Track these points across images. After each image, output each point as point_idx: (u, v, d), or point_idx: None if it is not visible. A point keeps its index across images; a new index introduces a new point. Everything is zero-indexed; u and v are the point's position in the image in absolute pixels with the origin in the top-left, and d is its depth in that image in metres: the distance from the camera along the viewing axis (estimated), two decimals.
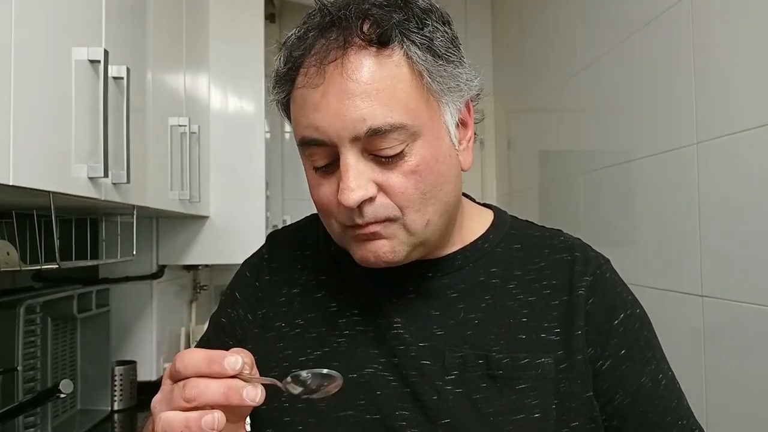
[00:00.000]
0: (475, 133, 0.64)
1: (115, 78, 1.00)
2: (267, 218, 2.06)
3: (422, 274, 0.64)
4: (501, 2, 2.74)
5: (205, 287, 2.41)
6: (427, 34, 0.56)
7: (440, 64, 0.57)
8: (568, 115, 1.94)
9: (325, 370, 0.50)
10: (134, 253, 1.31)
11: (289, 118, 0.62)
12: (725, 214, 1.15)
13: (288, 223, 3.04)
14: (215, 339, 0.72)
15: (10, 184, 0.73)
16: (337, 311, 0.65)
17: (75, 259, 1.37)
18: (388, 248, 0.57)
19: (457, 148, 0.60)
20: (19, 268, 0.96)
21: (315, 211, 0.64)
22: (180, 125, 1.48)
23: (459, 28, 0.62)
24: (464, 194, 0.69)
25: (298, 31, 0.58)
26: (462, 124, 0.61)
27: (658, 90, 1.38)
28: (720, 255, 1.16)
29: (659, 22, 1.37)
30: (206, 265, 2.34)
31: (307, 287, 0.68)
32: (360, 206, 0.55)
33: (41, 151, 0.81)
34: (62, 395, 1.04)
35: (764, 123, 1.04)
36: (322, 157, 0.57)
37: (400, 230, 0.57)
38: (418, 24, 0.56)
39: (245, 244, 1.96)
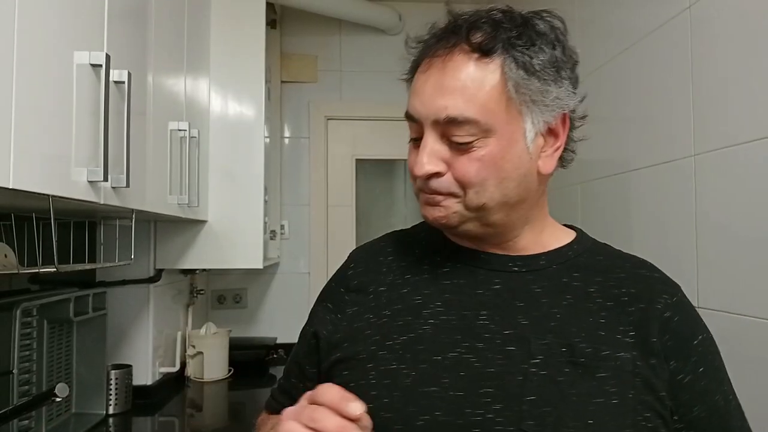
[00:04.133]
0: (572, 151, 0.73)
1: (116, 82, 1.01)
2: (265, 223, 2.06)
3: (508, 268, 0.70)
4: None
5: (201, 291, 2.41)
6: (530, 53, 0.64)
7: (530, 80, 0.64)
8: None
9: None
10: (132, 257, 1.31)
11: None
12: (722, 226, 1.15)
13: (286, 228, 3.01)
14: (300, 351, 0.80)
15: (10, 187, 0.73)
16: (422, 303, 0.70)
17: (73, 262, 1.36)
18: (442, 214, 0.67)
19: (530, 152, 0.67)
20: (17, 271, 0.96)
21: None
22: (180, 129, 1.49)
23: None
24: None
25: (429, 31, 0.70)
26: (551, 133, 0.68)
27: (656, 101, 1.38)
28: (717, 267, 1.16)
29: (658, 34, 1.38)
30: (203, 270, 2.33)
31: (394, 285, 0.73)
32: (428, 178, 0.66)
33: (41, 155, 0.81)
34: (57, 399, 1.04)
35: (762, 136, 1.05)
36: (416, 131, 0.69)
37: (458, 205, 0.67)
38: (526, 43, 0.65)
39: (243, 249, 1.96)
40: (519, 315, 0.66)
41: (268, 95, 2.11)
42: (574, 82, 0.69)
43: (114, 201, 1.03)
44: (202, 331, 2.19)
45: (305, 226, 2.73)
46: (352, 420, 0.53)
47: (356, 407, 0.53)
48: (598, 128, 1.71)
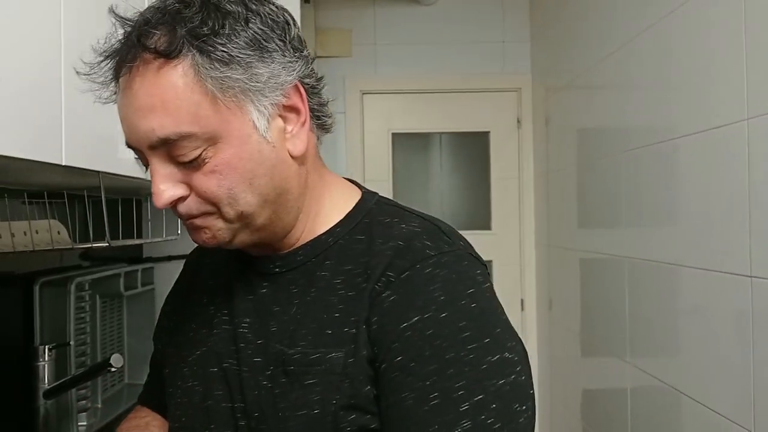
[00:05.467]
0: (325, 116, 0.67)
1: None
2: None
3: (271, 270, 0.66)
4: None
5: None
6: (220, 41, 0.56)
7: (231, 69, 0.56)
8: (609, 92, 1.89)
9: None
10: (179, 232, 1.34)
11: None
12: None
13: None
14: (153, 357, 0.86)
15: (63, 164, 0.75)
16: (213, 312, 0.69)
17: (122, 239, 1.41)
18: (209, 235, 0.61)
19: (270, 140, 0.59)
20: (71, 246, 1.00)
21: None
22: None
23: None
24: (349, 180, 0.72)
25: (107, 45, 0.60)
26: (291, 110, 0.61)
27: (705, 64, 1.33)
28: None
29: None
30: None
31: (198, 292, 0.73)
32: (175, 205, 0.59)
33: (90, 134, 0.84)
34: (113, 369, 1.08)
35: None
36: (143, 159, 0.60)
37: (218, 221, 0.60)
38: (212, 30, 0.56)
39: None
40: (272, 321, 0.63)
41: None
42: (291, 48, 0.60)
43: None
44: None
45: None
46: None
47: None
48: (642, 94, 1.65)
